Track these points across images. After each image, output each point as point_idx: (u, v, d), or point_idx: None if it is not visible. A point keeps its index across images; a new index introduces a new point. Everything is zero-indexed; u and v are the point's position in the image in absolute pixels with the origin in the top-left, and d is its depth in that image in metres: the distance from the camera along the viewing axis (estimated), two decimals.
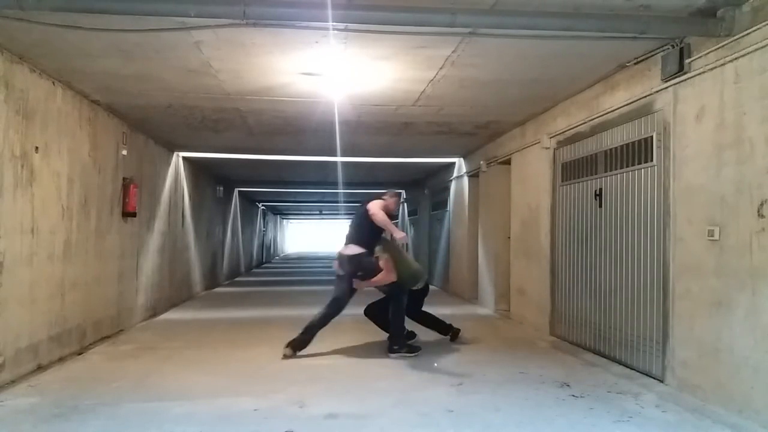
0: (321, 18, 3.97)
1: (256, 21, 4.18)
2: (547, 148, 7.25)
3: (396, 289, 6.14)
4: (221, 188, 15.03)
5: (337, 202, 23.29)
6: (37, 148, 5.36)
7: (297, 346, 5.88)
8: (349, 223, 6.45)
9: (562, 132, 6.84)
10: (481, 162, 9.94)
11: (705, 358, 4.33)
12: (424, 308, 6.73)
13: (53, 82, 5.71)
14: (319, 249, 50.79)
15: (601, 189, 5.97)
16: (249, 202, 21.78)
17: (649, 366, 5.06)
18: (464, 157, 11.49)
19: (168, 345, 6.71)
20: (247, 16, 3.87)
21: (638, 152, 5.28)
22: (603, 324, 5.88)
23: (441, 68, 5.58)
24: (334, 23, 4.18)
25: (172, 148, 10.09)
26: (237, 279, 17.48)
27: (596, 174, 6.06)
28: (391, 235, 5.97)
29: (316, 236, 55.76)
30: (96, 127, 6.74)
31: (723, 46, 4.17)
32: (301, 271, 21.99)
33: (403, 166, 13.21)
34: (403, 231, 6.34)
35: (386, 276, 5.98)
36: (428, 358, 5.81)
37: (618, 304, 5.59)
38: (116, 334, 7.33)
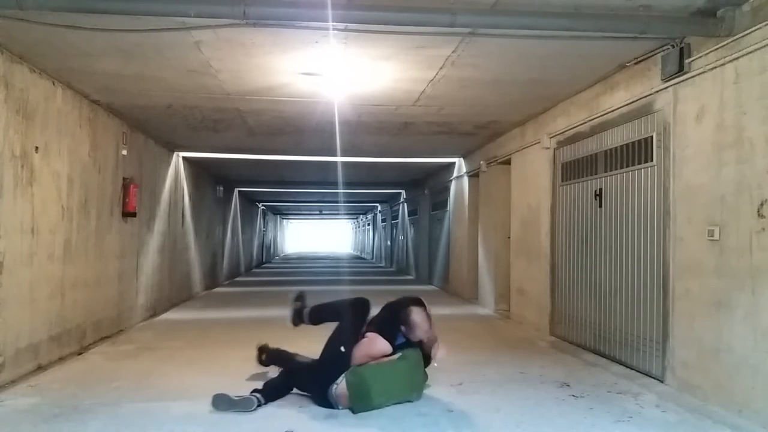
0: (321, 18, 3.97)
1: (256, 21, 4.18)
2: (547, 148, 7.25)
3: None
4: (221, 188, 15.03)
5: (337, 202, 23.30)
6: (37, 148, 5.36)
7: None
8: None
9: (562, 132, 6.84)
10: (481, 162, 9.94)
11: (705, 358, 4.33)
12: None
13: (53, 82, 5.71)
14: (319, 249, 50.86)
15: (601, 189, 5.97)
16: (249, 202, 21.78)
17: (649, 366, 5.06)
18: (464, 157, 11.49)
19: (168, 345, 6.70)
20: (247, 16, 3.87)
21: (638, 152, 5.28)
22: (603, 324, 5.88)
23: (441, 68, 5.58)
24: (334, 23, 4.18)
25: (172, 148, 10.09)
26: (237, 279, 17.48)
27: (596, 174, 6.06)
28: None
29: (316, 236, 55.85)
30: (96, 127, 6.74)
31: (723, 46, 4.17)
32: (301, 271, 21.98)
33: (403, 166, 13.21)
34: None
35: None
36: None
37: (618, 304, 5.59)
38: (116, 334, 7.33)
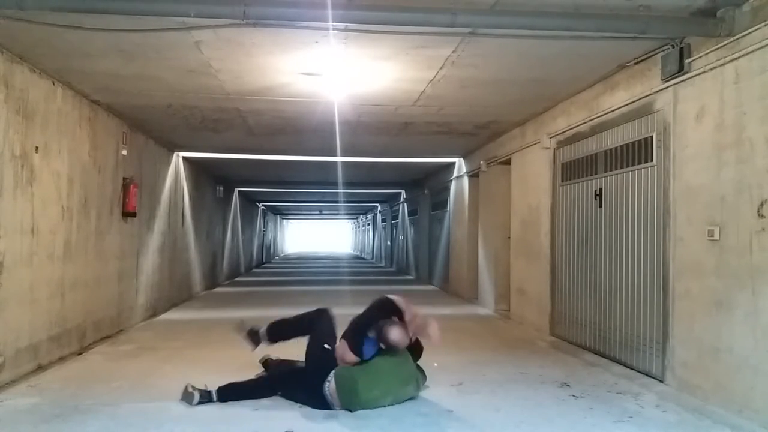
0: (321, 18, 3.98)
1: (256, 21, 4.18)
2: (547, 148, 7.25)
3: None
4: (221, 188, 15.03)
5: (337, 202, 23.31)
6: (37, 148, 5.36)
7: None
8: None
9: (562, 132, 6.84)
10: (481, 162, 9.94)
11: (705, 358, 4.33)
12: None
13: (53, 82, 5.71)
14: (319, 249, 50.85)
15: (601, 189, 5.97)
16: (249, 202, 21.78)
17: (649, 366, 5.06)
18: (464, 157, 11.49)
19: (168, 345, 6.70)
20: (247, 16, 3.88)
21: (638, 152, 5.28)
22: (603, 324, 5.88)
23: (441, 68, 5.58)
24: (334, 23, 4.19)
25: (172, 148, 10.09)
26: (237, 279, 17.48)
27: (596, 174, 6.06)
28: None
29: (316, 236, 55.86)
30: (96, 127, 6.74)
31: (723, 46, 4.17)
32: (301, 271, 21.99)
33: (403, 166, 13.22)
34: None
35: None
36: (428, 358, 5.80)
37: (618, 304, 5.59)
38: (116, 334, 7.33)
